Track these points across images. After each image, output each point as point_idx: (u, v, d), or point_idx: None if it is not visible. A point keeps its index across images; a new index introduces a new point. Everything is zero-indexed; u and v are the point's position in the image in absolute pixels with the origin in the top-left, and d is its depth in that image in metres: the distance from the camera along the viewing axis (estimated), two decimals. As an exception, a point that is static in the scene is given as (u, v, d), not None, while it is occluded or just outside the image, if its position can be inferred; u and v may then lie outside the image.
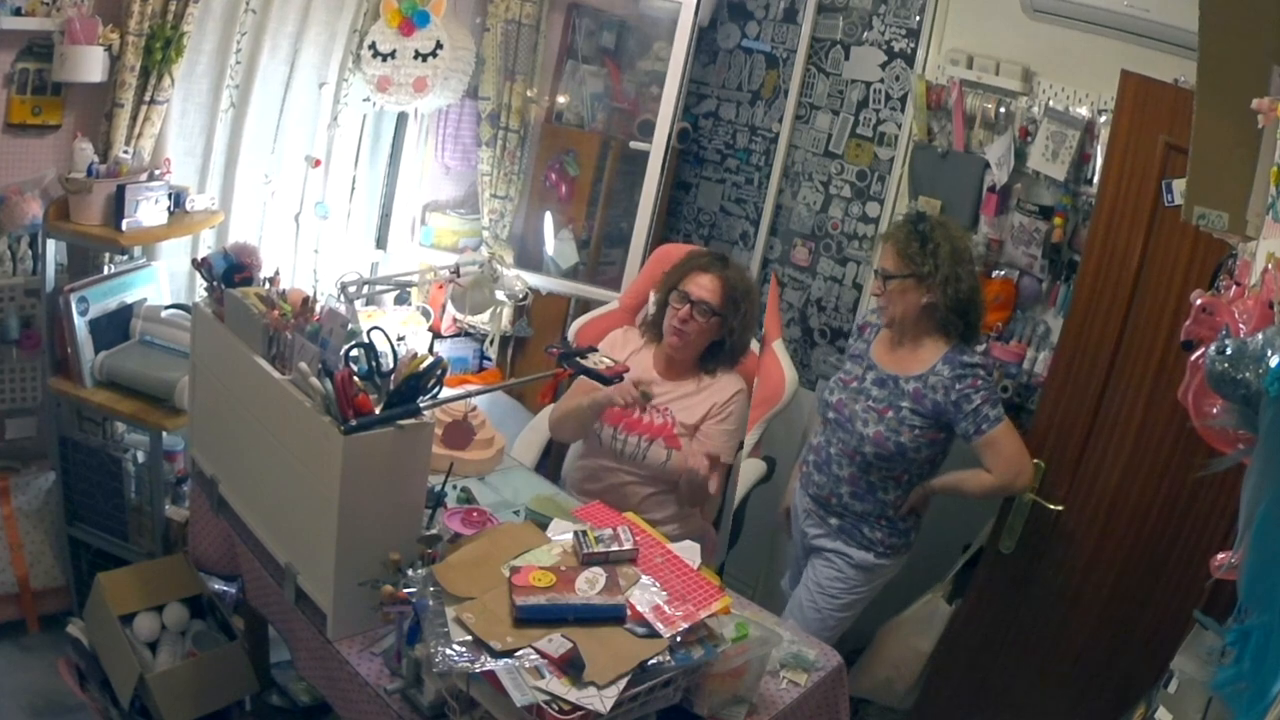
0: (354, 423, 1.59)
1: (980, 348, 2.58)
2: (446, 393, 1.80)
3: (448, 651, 1.40)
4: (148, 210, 2.56)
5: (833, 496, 2.35)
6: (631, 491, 2.44)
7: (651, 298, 2.66)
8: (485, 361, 3.60)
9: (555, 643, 1.42)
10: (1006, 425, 2.18)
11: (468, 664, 1.38)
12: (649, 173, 3.22)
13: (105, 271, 2.69)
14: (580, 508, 1.89)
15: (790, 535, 2.60)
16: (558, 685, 1.37)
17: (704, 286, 2.43)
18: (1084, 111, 2.52)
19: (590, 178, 3.56)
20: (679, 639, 1.47)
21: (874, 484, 2.29)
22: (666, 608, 1.51)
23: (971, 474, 2.24)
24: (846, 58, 3.16)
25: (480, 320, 3.47)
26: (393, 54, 3.07)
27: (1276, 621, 1.01)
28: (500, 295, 3.22)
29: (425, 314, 3.42)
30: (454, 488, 2.10)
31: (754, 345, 2.78)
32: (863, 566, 2.34)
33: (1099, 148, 2.47)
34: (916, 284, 2.21)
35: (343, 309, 2.43)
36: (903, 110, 3.02)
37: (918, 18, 2.97)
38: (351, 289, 2.59)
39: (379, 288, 3.10)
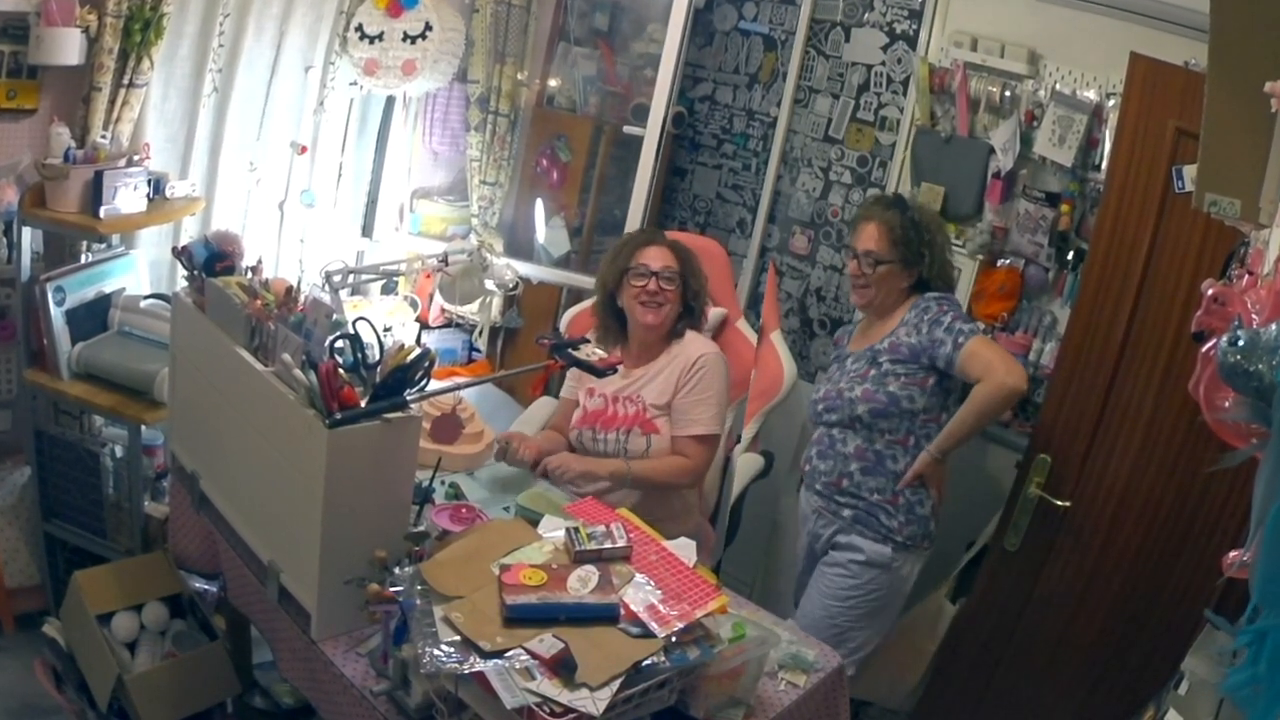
0: (339, 416, 1.56)
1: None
2: (434, 385, 1.78)
3: (435, 652, 1.37)
4: (126, 197, 2.55)
5: (843, 478, 2.30)
6: (625, 492, 2.38)
7: (596, 303, 2.57)
8: (474, 353, 3.60)
9: (546, 643, 1.40)
10: (983, 337, 2.22)
11: (456, 665, 1.36)
12: (643, 158, 3.20)
13: (83, 260, 2.66)
14: (572, 504, 1.87)
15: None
16: (549, 687, 1.34)
17: (657, 256, 2.42)
18: (1092, 95, 2.50)
19: (582, 163, 3.54)
20: (674, 639, 1.44)
21: (881, 454, 2.26)
22: (661, 607, 1.48)
23: (963, 407, 2.21)
24: (847, 40, 3.14)
25: (469, 310, 3.47)
26: (380, 36, 3.06)
27: (1294, 622, 0.98)
28: (490, 285, 3.22)
29: (412, 304, 3.42)
30: (442, 483, 2.10)
31: (751, 336, 2.75)
32: (876, 564, 2.27)
33: (1107, 133, 2.45)
34: (904, 268, 2.30)
35: (327, 299, 2.39)
36: (905, 94, 3.00)
37: (920, -2, 2.94)
38: (337, 278, 2.57)
39: (365, 277, 3.09)
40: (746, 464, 2.63)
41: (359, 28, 3.05)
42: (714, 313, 2.68)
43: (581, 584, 1.51)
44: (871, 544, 2.27)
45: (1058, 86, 2.55)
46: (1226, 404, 1.12)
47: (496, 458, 2.31)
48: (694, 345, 2.42)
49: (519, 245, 3.52)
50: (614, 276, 2.45)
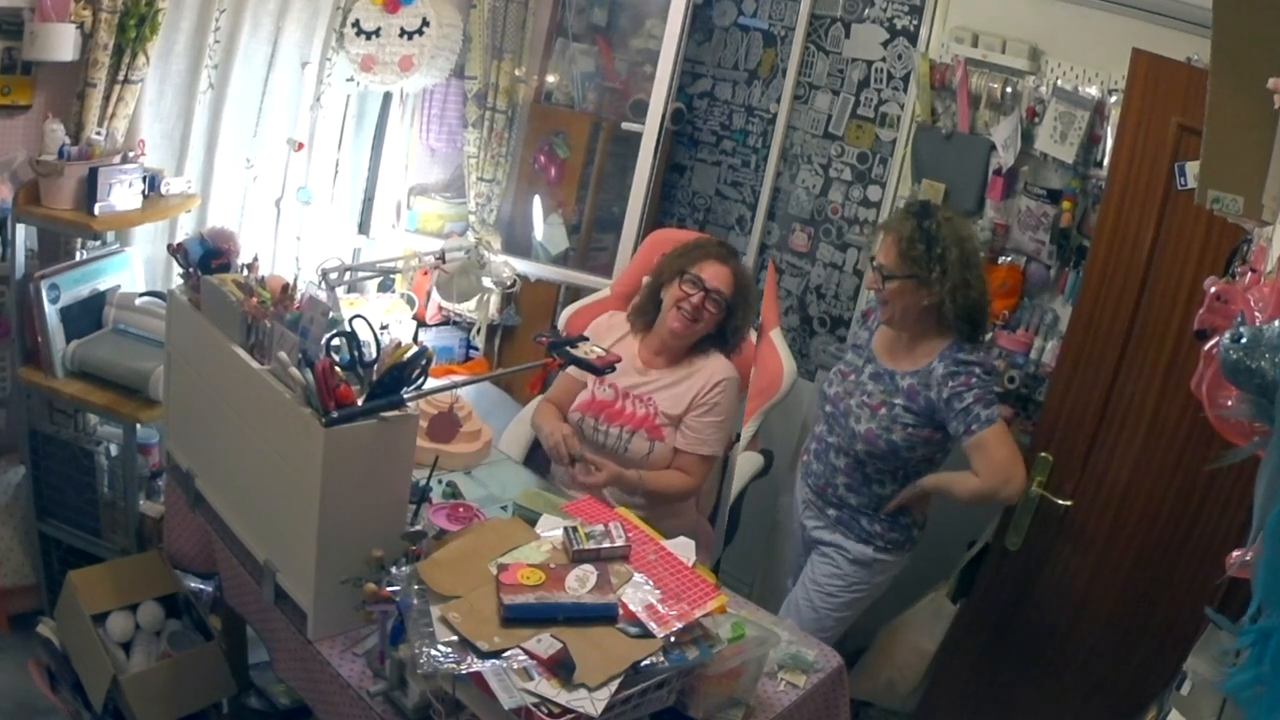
0: (335, 414, 1.56)
1: (987, 337, 2.53)
2: (431, 383, 1.76)
3: (433, 652, 1.37)
4: (121, 194, 2.52)
5: (829, 487, 2.30)
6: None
7: (645, 281, 2.60)
8: (472, 351, 3.58)
9: (544, 643, 1.39)
10: (999, 429, 2.07)
11: (453, 665, 1.35)
12: (642, 155, 3.18)
13: (77, 257, 2.64)
14: (570, 503, 1.86)
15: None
16: (547, 687, 1.33)
17: (718, 276, 2.39)
18: (1093, 91, 2.50)
19: (581, 160, 3.52)
20: (673, 639, 1.44)
21: (869, 477, 2.25)
22: (660, 607, 1.48)
23: (961, 476, 2.15)
24: (847, 35, 3.13)
25: (466, 308, 3.45)
26: (377, 32, 3.04)
27: (1298, 622, 0.98)
28: (487, 282, 3.20)
29: (409, 302, 3.40)
30: (439, 482, 2.09)
31: (751, 335, 2.73)
32: (861, 562, 2.28)
33: (1109, 129, 2.44)
34: (918, 285, 2.11)
35: (324, 296, 2.37)
36: (905, 90, 2.99)
37: (921, -7, 2.93)
38: (333, 276, 2.56)
39: (361, 274, 3.07)
40: (746, 463, 2.62)
41: (356, 23, 3.02)
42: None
43: (579, 584, 1.50)
44: (854, 544, 2.28)
45: (1059, 82, 2.55)
46: (1229, 401, 1.12)
47: (572, 470, 2.27)
48: (717, 365, 2.42)
49: (517, 242, 3.50)
50: (671, 271, 2.45)
